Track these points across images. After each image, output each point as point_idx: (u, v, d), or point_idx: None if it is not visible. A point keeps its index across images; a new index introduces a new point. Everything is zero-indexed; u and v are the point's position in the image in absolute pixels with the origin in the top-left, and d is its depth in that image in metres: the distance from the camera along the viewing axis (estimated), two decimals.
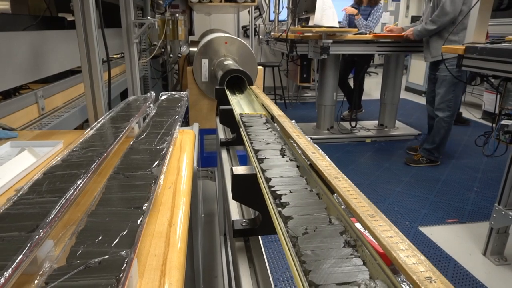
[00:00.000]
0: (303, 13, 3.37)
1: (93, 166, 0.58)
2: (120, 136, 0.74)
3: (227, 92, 1.41)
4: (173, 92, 1.30)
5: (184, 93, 1.29)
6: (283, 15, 4.58)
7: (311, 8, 3.22)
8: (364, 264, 0.37)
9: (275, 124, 0.86)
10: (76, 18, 0.99)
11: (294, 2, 3.26)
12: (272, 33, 3.90)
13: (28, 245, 0.37)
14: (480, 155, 3.28)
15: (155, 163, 0.62)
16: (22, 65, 1.22)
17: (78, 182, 0.52)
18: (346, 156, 3.42)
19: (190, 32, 4.20)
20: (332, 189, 0.50)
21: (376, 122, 4.12)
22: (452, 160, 3.29)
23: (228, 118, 1.05)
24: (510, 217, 1.76)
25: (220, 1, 3.14)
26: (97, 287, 0.33)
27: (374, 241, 0.37)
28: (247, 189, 0.58)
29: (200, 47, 2.20)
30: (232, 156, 0.97)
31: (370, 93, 6.07)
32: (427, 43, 2.98)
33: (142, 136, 0.75)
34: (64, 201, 0.46)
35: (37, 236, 0.39)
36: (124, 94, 2.38)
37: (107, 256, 0.36)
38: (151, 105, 1.12)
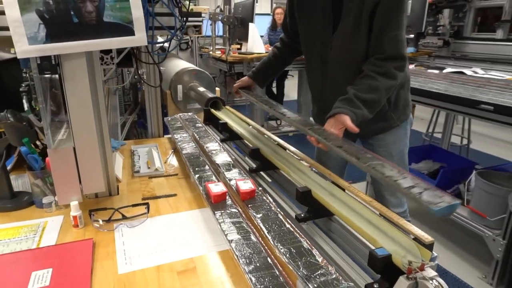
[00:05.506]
0: (237, 40, 4.41)
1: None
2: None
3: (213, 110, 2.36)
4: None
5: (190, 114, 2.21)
6: (219, 31, 5.58)
7: (244, 36, 4.26)
8: None
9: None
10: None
11: (230, 32, 4.29)
12: (210, 52, 4.87)
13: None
14: None
15: None
16: None
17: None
18: None
19: None
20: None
21: None
22: None
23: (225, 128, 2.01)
24: None
25: None
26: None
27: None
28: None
29: (174, 75, 3.05)
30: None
31: (288, 95, 7.35)
32: None
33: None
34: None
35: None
36: None
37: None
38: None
